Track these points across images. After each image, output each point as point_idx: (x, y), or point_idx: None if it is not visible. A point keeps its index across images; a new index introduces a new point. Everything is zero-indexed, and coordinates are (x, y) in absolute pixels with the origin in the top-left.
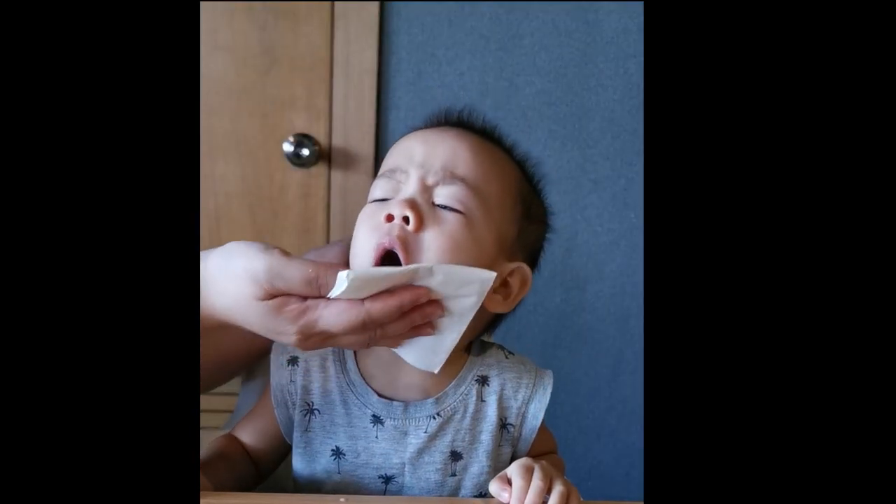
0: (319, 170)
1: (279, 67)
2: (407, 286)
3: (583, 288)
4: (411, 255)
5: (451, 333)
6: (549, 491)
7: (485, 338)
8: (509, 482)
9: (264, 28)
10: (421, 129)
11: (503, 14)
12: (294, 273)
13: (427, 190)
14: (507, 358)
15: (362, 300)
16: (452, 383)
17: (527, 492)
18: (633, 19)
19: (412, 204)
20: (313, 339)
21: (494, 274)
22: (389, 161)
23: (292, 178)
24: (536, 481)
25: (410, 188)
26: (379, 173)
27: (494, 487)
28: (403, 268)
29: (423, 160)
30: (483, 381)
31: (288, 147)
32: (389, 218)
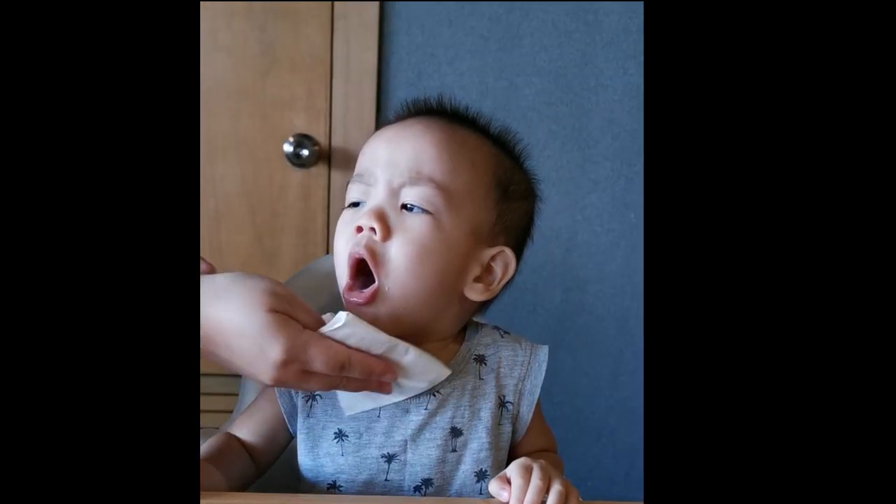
0: (319, 170)
1: (279, 68)
2: (384, 361)
3: (583, 288)
4: (380, 263)
5: (387, 399)
6: (548, 490)
7: (477, 318)
8: (509, 482)
9: (264, 29)
10: (390, 122)
11: (503, 14)
12: (302, 303)
13: (394, 193)
14: (502, 337)
15: (349, 348)
16: (451, 363)
17: (526, 491)
18: (633, 19)
19: (379, 214)
20: (293, 366)
21: (450, 371)
22: (360, 163)
23: (292, 179)
24: (535, 480)
25: (378, 195)
26: (353, 176)
27: (494, 487)
28: (388, 337)
29: (388, 161)
30: (480, 360)
31: (288, 147)
32: (359, 229)
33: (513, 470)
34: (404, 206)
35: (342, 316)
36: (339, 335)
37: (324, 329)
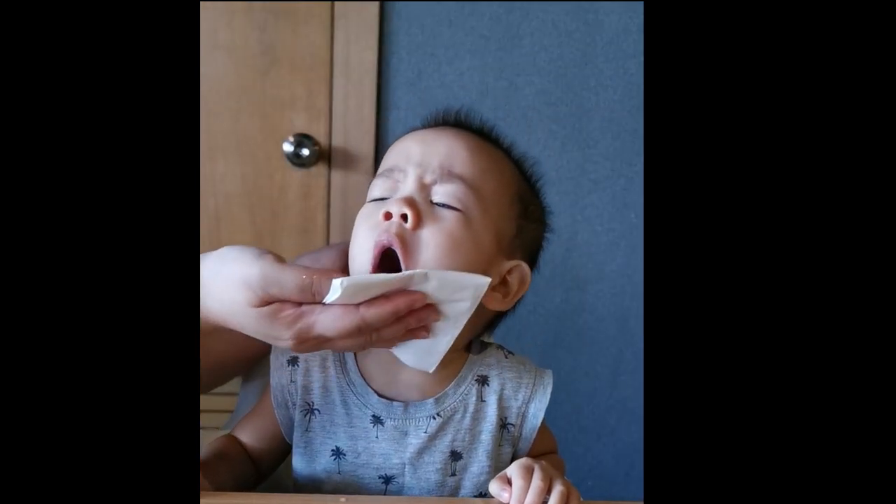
0: (319, 170)
1: (279, 67)
2: (402, 291)
3: (583, 288)
4: (409, 252)
5: (445, 336)
6: (549, 491)
7: (485, 338)
8: (509, 482)
9: (264, 28)
10: (419, 129)
11: (503, 14)
12: (288, 280)
13: (425, 188)
14: (506, 358)
15: (357, 305)
16: (452, 383)
17: (527, 492)
18: (633, 19)
19: (410, 202)
20: (309, 342)
21: (489, 279)
22: (387, 161)
23: (292, 178)
24: (536, 481)
25: (408, 187)
26: (377, 173)
27: (494, 487)
28: (398, 274)
29: (420, 159)
30: (483, 380)
31: (288, 147)
32: (388, 216)
33: (514, 470)
34: (434, 203)
35: (336, 285)
36: (342, 301)
37: (326, 300)
